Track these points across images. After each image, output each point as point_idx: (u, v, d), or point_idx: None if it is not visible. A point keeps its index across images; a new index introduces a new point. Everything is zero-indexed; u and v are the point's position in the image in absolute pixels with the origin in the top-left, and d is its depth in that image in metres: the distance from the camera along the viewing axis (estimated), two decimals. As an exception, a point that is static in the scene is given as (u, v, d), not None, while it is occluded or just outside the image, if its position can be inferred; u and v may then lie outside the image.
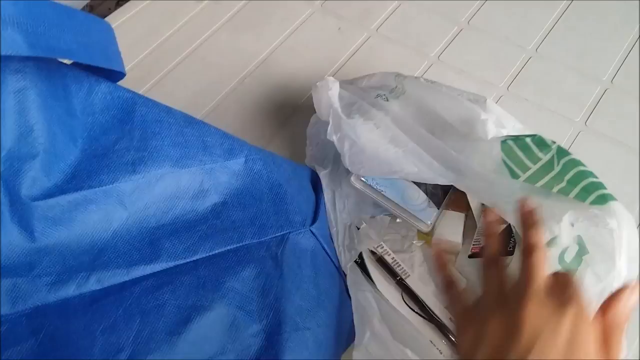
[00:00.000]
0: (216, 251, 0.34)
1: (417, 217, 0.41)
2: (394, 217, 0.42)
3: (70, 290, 0.30)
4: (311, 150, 0.46)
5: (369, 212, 0.42)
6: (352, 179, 0.42)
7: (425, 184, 0.42)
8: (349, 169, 0.41)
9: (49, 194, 0.31)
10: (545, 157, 0.37)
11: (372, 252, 0.40)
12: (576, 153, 0.37)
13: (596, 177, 0.36)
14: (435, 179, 0.38)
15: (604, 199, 0.35)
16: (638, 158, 0.47)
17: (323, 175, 0.44)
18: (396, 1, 0.59)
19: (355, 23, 0.58)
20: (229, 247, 0.34)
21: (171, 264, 0.33)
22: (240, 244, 0.34)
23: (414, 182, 0.42)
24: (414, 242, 0.41)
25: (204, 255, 0.33)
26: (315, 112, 0.44)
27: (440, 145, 0.39)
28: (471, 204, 0.41)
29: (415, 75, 0.53)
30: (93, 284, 0.31)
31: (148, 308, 0.30)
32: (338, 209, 0.42)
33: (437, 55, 0.55)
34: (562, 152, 0.37)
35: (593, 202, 0.35)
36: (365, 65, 0.55)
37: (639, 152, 0.48)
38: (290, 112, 0.52)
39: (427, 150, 0.39)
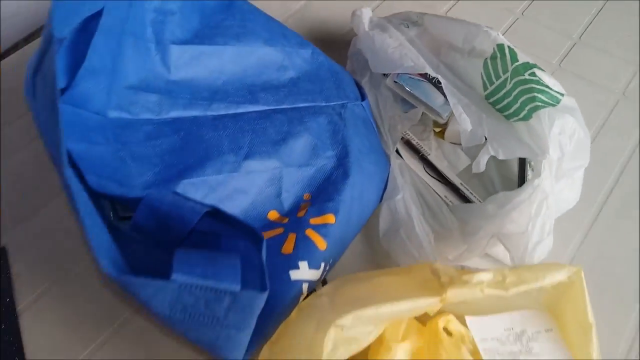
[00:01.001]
0: (297, 105, 0.45)
1: (437, 111, 0.53)
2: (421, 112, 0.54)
3: (198, 111, 0.41)
4: (351, 65, 0.58)
5: (402, 108, 0.54)
6: (387, 81, 0.54)
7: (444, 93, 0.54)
8: (372, 69, 0.53)
9: (182, 42, 0.42)
10: (503, 77, 0.49)
11: (401, 137, 0.52)
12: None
13: (540, 93, 0.44)
14: (424, 69, 0.50)
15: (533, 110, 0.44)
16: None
17: (365, 82, 0.55)
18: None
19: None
20: (305, 104, 0.45)
21: (266, 107, 0.44)
22: (314, 104, 0.46)
23: (435, 87, 0.54)
24: (433, 131, 0.54)
25: (288, 107, 0.44)
26: (355, 37, 0.57)
27: (433, 58, 0.53)
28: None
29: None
30: (214, 110, 0.41)
31: (256, 128, 0.41)
32: (381, 106, 0.53)
33: None
34: (516, 72, 0.46)
35: (525, 117, 0.45)
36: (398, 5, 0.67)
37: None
38: (333, 42, 0.64)
39: (422, 55, 0.53)
